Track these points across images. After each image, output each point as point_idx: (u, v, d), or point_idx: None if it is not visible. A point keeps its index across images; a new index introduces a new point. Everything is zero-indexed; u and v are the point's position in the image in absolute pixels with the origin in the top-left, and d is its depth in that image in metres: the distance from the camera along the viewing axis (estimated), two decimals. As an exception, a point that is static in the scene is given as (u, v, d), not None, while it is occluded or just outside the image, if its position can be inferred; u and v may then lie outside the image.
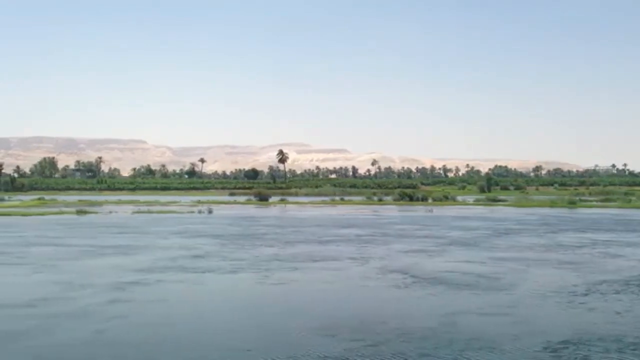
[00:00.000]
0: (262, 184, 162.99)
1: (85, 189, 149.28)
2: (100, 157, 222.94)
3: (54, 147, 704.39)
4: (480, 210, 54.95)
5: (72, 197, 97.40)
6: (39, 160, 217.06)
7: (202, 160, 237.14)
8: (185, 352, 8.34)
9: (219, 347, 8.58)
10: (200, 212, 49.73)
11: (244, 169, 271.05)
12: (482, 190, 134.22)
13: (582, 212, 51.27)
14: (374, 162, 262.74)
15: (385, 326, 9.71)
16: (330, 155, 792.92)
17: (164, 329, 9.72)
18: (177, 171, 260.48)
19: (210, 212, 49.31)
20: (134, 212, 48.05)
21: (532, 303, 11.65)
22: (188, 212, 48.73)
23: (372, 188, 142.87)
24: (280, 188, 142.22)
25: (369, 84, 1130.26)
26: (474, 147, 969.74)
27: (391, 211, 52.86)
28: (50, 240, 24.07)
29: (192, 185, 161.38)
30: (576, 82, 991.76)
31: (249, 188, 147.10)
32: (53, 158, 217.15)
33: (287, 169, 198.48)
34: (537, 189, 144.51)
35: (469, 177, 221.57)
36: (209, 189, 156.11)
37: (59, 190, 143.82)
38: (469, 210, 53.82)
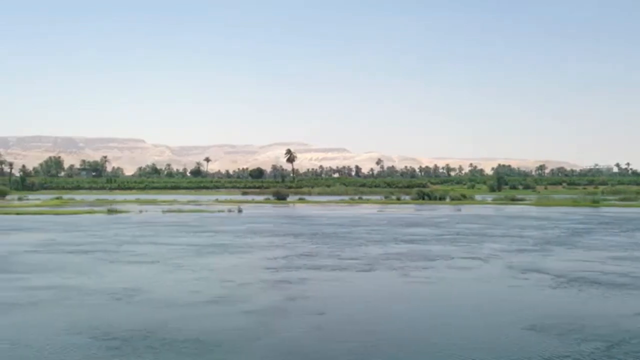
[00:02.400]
0: (270, 183, 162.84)
1: (95, 188, 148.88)
2: (105, 157, 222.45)
3: (53, 146, 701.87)
4: (509, 209, 54.59)
5: (89, 196, 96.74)
6: (44, 160, 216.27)
7: (207, 160, 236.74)
8: (423, 344, 8.36)
9: (450, 345, 8.55)
10: (230, 211, 49.53)
11: (245, 168, 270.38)
12: (492, 189, 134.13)
13: (614, 211, 51.26)
14: (378, 161, 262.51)
15: (598, 326, 9.69)
16: (329, 155, 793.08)
17: (374, 325, 9.68)
18: (180, 170, 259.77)
19: (240, 211, 49.16)
20: (164, 212, 47.47)
21: None
22: (218, 211, 48.54)
23: (382, 187, 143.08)
24: (291, 187, 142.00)
25: (368, 83, 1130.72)
26: (472, 146, 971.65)
27: (419, 210, 52.50)
28: (137, 239, 23.98)
29: (202, 185, 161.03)
30: (576, 82, 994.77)
31: (259, 187, 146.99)
32: (59, 157, 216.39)
33: (290, 168, 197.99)
34: (545, 188, 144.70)
35: (473, 176, 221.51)
36: (218, 188, 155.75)
37: (69, 189, 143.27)
38: (494, 209, 53.64)
